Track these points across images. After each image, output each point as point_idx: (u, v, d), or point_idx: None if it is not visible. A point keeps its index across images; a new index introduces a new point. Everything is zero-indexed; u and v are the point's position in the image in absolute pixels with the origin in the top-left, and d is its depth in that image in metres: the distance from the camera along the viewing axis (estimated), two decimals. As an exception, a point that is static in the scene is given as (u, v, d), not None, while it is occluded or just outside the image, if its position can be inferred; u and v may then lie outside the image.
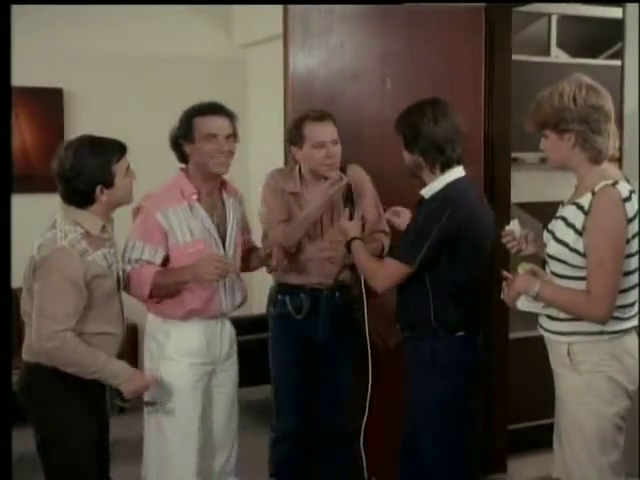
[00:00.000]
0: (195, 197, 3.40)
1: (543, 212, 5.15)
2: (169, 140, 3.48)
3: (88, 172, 3.06)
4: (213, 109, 3.43)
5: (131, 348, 5.05)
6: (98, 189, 3.08)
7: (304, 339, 3.76)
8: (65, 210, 3.12)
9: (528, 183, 5.03)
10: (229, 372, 3.59)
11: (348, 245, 3.45)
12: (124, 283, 3.34)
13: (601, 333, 2.81)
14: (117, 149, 3.16)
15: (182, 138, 3.42)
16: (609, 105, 2.83)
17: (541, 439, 5.04)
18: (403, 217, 3.51)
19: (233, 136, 3.44)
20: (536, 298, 2.87)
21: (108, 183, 3.10)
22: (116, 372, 3.08)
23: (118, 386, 3.08)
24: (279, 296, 3.80)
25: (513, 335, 4.72)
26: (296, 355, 3.79)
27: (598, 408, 2.83)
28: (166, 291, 3.37)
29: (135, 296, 3.41)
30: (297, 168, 3.76)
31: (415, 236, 3.18)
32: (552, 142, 2.87)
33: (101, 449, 3.20)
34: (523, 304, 2.93)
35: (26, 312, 3.14)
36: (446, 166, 3.24)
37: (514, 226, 3.15)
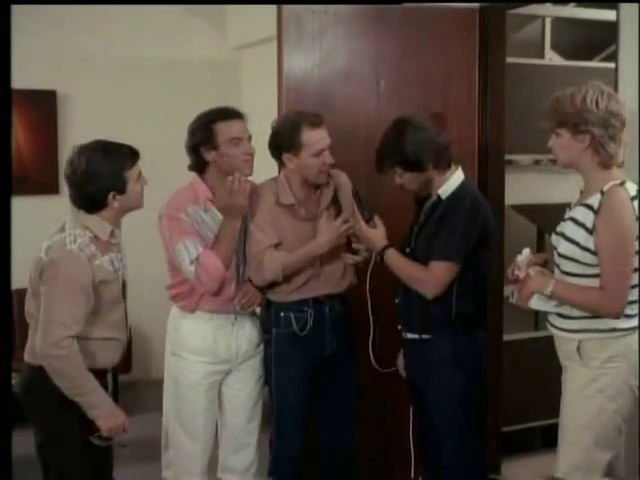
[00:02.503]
0: (210, 199, 3.43)
1: (537, 214, 5.18)
2: (187, 148, 3.45)
3: (101, 179, 3.06)
4: (233, 113, 3.44)
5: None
6: (110, 195, 3.09)
7: (311, 358, 3.58)
8: (74, 214, 3.13)
9: (522, 185, 5.03)
10: (247, 373, 3.59)
11: (381, 255, 3.34)
12: (197, 281, 3.34)
13: (613, 330, 2.87)
14: (130, 155, 3.15)
15: (203, 145, 3.40)
16: (625, 112, 2.90)
17: (534, 441, 5.08)
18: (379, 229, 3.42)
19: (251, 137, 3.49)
20: (550, 297, 2.92)
21: (120, 189, 3.10)
22: (98, 403, 3.04)
23: (95, 418, 3.03)
24: (282, 313, 3.56)
25: (506, 337, 4.71)
26: (303, 376, 3.58)
27: (600, 403, 2.87)
28: (231, 251, 3.40)
29: (212, 284, 3.37)
30: (284, 179, 3.57)
31: (460, 233, 3.19)
32: (565, 141, 2.92)
33: (104, 450, 3.18)
34: (536, 303, 2.98)
35: (30, 314, 3.15)
36: (450, 163, 3.31)
37: (523, 257, 3.05)
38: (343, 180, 3.66)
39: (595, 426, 2.88)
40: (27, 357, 3.14)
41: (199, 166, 3.46)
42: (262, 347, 3.63)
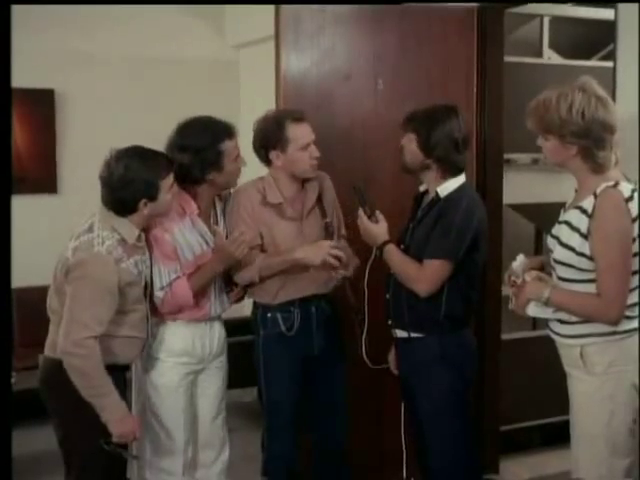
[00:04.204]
0: (196, 212, 3.44)
1: (535, 213, 5.19)
2: (197, 169, 3.37)
3: (136, 185, 3.11)
4: (234, 130, 3.45)
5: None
6: (142, 202, 3.13)
7: (299, 358, 3.59)
8: (103, 215, 3.17)
9: (520, 184, 5.03)
10: (217, 371, 3.62)
11: (380, 250, 3.32)
12: (161, 304, 3.37)
13: (613, 333, 2.81)
14: (166, 165, 3.20)
15: (211, 165, 3.37)
16: (615, 118, 2.82)
17: (532, 440, 5.09)
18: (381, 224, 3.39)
19: None
20: (547, 303, 2.87)
21: (153, 197, 3.14)
22: (111, 406, 3.06)
23: (107, 422, 3.05)
24: (268, 314, 3.58)
25: (504, 336, 4.71)
26: (292, 376, 3.60)
27: (611, 410, 2.82)
28: (204, 288, 3.44)
29: (174, 309, 3.41)
30: (271, 178, 3.57)
31: (455, 233, 3.18)
32: (553, 146, 2.87)
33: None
34: (533, 310, 2.93)
35: (52, 309, 3.18)
36: (456, 173, 3.29)
37: (517, 264, 3.04)
38: (327, 184, 3.68)
39: (608, 434, 2.82)
40: (47, 351, 3.19)
41: (196, 182, 3.42)
42: (225, 346, 3.65)
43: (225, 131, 3.42)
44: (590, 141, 2.78)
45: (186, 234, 3.41)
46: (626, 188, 2.79)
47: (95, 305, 3.03)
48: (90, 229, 3.12)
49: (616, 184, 2.78)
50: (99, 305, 3.04)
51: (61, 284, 3.12)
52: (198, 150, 3.36)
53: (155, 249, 3.36)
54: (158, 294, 3.36)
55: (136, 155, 3.16)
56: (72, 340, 2.99)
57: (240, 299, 3.70)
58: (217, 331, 3.58)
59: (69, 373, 3.01)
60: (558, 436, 4.27)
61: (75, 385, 3.01)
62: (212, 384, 3.61)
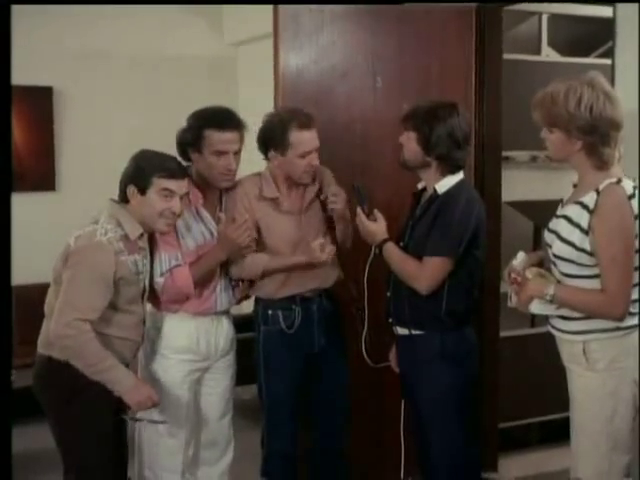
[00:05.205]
0: (201, 202, 3.44)
1: (534, 211, 5.18)
2: (176, 143, 3.45)
3: (133, 172, 3.20)
4: (227, 123, 3.39)
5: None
6: (130, 188, 3.17)
7: (300, 355, 3.59)
8: (110, 210, 3.20)
9: (519, 181, 5.03)
10: (224, 369, 3.61)
11: (379, 248, 3.33)
12: (162, 290, 3.38)
13: (616, 329, 2.81)
14: (172, 168, 3.22)
15: (189, 145, 3.40)
16: (621, 115, 2.82)
17: (531, 438, 5.09)
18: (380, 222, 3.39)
19: (239, 151, 3.45)
20: (551, 301, 2.86)
21: (141, 188, 3.17)
22: (120, 379, 3.07)
23: (120, 394, 3.06)
24: (269, 311, 3.59)
25: (503, 334, 4.70)
26: (292, 373, 3.60)
27: (613, 406, 2.83)
28: (206, 278, 3.44)
29: (174, 300, 3.42)
30: (269, 173, 3.57)
31: (454, 229, 3.18)
32: (558, 139, 2.86)
33: (118, 443, 3.22)
34: (536, 307, 2.93)
35: (49, 302, 3.18)
36: (455, 171, 3.29)
37: (518, 261, 3.04)
38: (328, 177, 3.67)
39: (610, 430, 2.82)
40: (39, 347, 3.19)
41: (188, 159, 3.45)
42: (234, 344, 3.66)
43: (215, 121, 3.40)
44: (596, 137, 2.78)
45: (190, 223, 3.41)
46: (628, 185, 2.80)
47: (90, 291, 3.04)
48: (96, 221, 3.16)
49: (619, 181, 2.78)
50: (94, 292, 3.05)
51: (59, 273, 3.13)
52: (188, 127, 3.42)
53: (157, 236, 3.36)
54: (158, 280, 3.36)
55: (149, 152, 3.26)
56: (63, 322, 3.00)
57: (246, 297, 3.69)
58: (225, 328, 3.57)
59: (67, 357, 3.03)
60: (557, 433, 4.27)
61: (66, 377, 3.02)
62: (220, 383, 3.61)
